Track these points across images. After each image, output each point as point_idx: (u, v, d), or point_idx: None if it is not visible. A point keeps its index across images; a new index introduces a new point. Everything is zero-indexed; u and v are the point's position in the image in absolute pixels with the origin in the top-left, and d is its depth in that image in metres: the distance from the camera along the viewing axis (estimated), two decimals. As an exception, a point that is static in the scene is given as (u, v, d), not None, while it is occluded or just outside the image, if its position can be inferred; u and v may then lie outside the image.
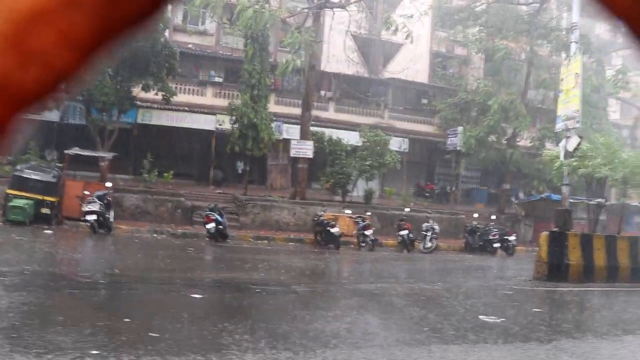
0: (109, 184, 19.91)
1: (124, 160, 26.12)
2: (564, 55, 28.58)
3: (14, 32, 0.39)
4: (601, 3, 0.48)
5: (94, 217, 17.00)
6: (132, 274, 10.76)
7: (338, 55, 28.90)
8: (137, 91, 24.27)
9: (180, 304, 8.27)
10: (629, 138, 38.39)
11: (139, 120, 27.43)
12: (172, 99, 25.37)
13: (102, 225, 17.36)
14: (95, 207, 17.12)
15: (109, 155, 23.15)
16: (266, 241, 19.87)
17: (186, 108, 28.45)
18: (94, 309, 7.24)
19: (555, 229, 15.96)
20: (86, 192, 18.36)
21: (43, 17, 0.36)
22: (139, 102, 25.66)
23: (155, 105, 26.87)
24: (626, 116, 44.35)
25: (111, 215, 18.15)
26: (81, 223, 17.71)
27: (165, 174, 24.22)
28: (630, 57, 38.63)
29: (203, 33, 32.96)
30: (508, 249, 22.81)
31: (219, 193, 25.73)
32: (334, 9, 25.52)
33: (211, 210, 18.35)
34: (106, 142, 23.76)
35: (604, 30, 35.11)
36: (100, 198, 17.51)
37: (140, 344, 5.77)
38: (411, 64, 33.50)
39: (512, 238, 23.10)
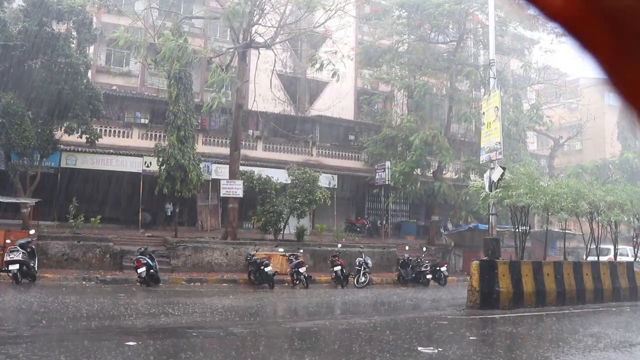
0: (32, 231, 19.19)
1: (47, 205, 25.26)
2: (482, 90, 29.83)
3: None
4: (535, 5, 0.53)
5: (16, 266, 16.31)
6: (60, 324, 10.32)
7: (265, 94, 29.08)
8: (59, 134, 23.63)
9: (114, 353, 7.99)
10: (547, 167, 40.09)
11: (63, 164, 26.67)
12: (97, 142, 24.84)
13: (25, 275, 16.67)
14: (18, 255, 16.45)
15: (31, 201, 22.34)
16: (199, 283, 19.52)
17: (112, 150, 27.92)
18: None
19: (485, 258, 16.40)
20: (7, 241, 17.64)
21: None
22: (62, 146, 25.02)
23: (80, 149, 26.26)
24: (543, 147, 46.51)
25: (35, 263, 17.45)
26: (2, 273, 16.93)
27: (92, 219, 23.54)
28: (541, 92, 40.75)
29: (127, 74, 32.60)
30: (440, 280, 23.23)
31: (149, 236, 25.18)
32: (259, 49, 25.79)
33: (141, 254, 17.92)
34: (28, 187, 22.93)
35: (517, 67, 36.92)
36: (23, 246, 16.85)
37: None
38: (337, 102, 34.07)
39: (443, 269, 23.58)
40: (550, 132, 40.45)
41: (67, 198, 24.24)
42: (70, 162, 27.09)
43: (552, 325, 12.71)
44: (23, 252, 16.58)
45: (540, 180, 19.88)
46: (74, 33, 23.33)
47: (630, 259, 22.54)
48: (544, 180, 21.69)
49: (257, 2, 24.21)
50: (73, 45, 23.14)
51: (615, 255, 21.77)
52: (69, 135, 24.16)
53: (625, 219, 21.39)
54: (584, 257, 20.66)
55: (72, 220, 22.41)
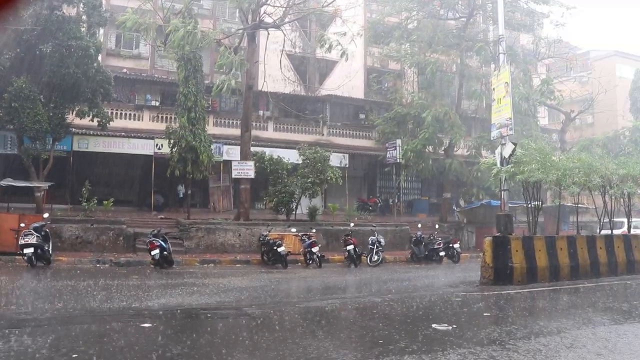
0: (46, 215, 19.32)
1: (60, 189, 25.47)
2: (492, 66, 29.59)
3: None
4: None
5: (31, 250, 16.48)
6: (76, 306, 10.44)
7: (274, 75, 29.00)
8: (71, 118, 23.72)
9: (130, 334, 8.07)
10: (559, 142, 39.86)
11: (75, 148, 26.81)
12: (108, 125, 24.94)
13: (40, 258, 16.84)
14: (32, 239, 16.61)
15: (44, 185, 22.52)
16: (212, 264, 19.66)
17: (123, 133, 28.01)
18: (35, 349, 6.98)
19: (498, 234, 16.37)
20: (22, 225, 17.80)
21: None
22: (74, 129, 25.12)
23: (91, 132, 26.36)
24: (554, 121, 46.23)
25: (50, 247, 17.61)
26: (18, 257, 17.11)
27: (105, 202, 23.71)
28: (551, 66, 40.38)
29: (137, 57, 32.62)
30: (453, 257, 23.27)
31: (161, 218, 25.35)
32: (268, 29, 25.66)
33: (155, 236, 18.04)
34: (41, 171, 23.08)
35: (527, 41, 36.55)
36: (37, 230, 16.98)
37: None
38: (347, 81, 33.98)
39: (456, 245, 23.60)
40: (561, 106, 40.17)
41: (80, 181, 24.41)
42: (82, 146, 27.22)
43: (566, 299, 12.71)
44: (37, 236, 16.74)
45: (551, 155, 19.77)
46: (84, 17, 23.32)
47: (645, 231, 22.48)
48: (555, 155, 21.58)
49: (265, -18, 24.06)
50: (83, 28, 23.15)
51: (629, 228, 21.70)
52: (80, 119, 24.26)
53: (639, 191, 21.27)
54: (598, 230, 20.61)
55: (85, 204, 22.59)
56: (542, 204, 19.94)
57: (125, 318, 9.42)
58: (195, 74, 24.72)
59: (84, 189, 22.88)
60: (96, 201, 22.98)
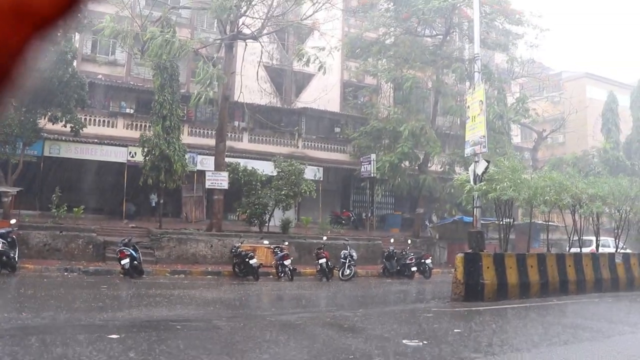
0: (13, 221, 19.00)
1: (30, 195, 25.08)
2: (467, 83, 29.95)
3: None
4: None
5: (-5, 256, 16.14)
6: (41, 316, 10.25)
7: (251, 86, 28.98)
8: (43, 123, 23.41)
9: (97, 346, 7.93)
10: (531, 160, 40.41)
11: (46, 153, 26.46)
12: (81, 131, 24.64)
13: (5, 266, 16.47)
14: (-2, 245, 16.27)
15: (12, 190, 22.14)
16: (183, 275, 19.46)
17: (96, 140, 27.74)
18: None
19: (470, 250, 16.49)
20: (-13, 230, 17.44)
21: None
22: (45, 134, 24.80)
23: (64, 138, 26.04)
24: (527, 140, 46.96)
25: (16, 254, 17.25)
26: (-19, 264, 16.75)
27: (75, 209, 23.37)
28: (525, 85, 41.04)
29: (113, 63, 32.35)
30: (425, 272, 23.34)
31: (133, 227, 25.06)
32: (246, 40, 25.66)
33: (125, 245, 17.83)
34: (10, 176, 22.71)
35: (502, 60, 37.10)
36: (3, 236, 16.65)
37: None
38: (323, 94, 34.05)
39: (428, 261, 23.68)
40: (534, 125, 40.81)
41: (50, 187, 24.06)
42: (53, 151, 26.88)
43: (535, 317, 12.80)
44: (3, 242, 16.39)
45: (523, 173, 20.02)
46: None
47: (612, 250, 22.81)
48: (527, 173, 21.86)
49: (245, -6, 24.08)
50: (59, 33, 22.87)
51: (597, 247, 22.04)
52: (53, 124, 23.96)
53: (607, 210, 21.64)
54: (567, 249, 20.86)
55: (54, 210, 22.25)
56: (513, 221, 20.16)
57: (92, 329, 9.26)
58: (171, 83, 24.60)
59: (54, 195, 22.54)
60: (66, 208, 22.65)
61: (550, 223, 23.02)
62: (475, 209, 18.24)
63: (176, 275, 19.32)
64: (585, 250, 21.07)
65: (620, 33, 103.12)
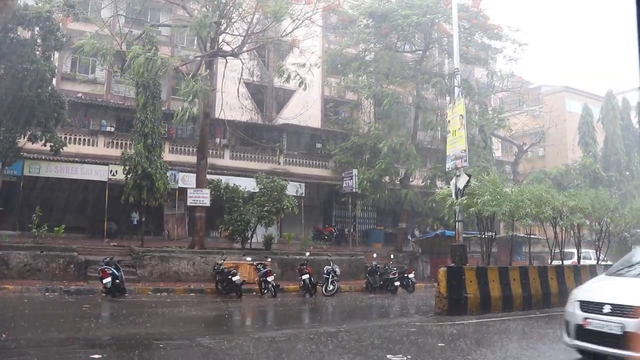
0: (-7, 242, 18.77)
1: (9, 215, 24.84)
2: (448, 98, 30.22)
3: None
4: None
5: (-24, 277, 15.95)
6: (23, 337, 10.12)
7: (232, 103, 29.01)
8: (23, 142, 23.23)
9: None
10: (511, 173, 40.73)
11: (26, 173, 26.25)
12: (61, 150, 24.48)
13: (-14, 286, 16.30)
14: (-22, 266, 16.09)
15: (-8, 210, 21.90)
16: (166, 293, 19.30)
17: (77, 159, 27.60)
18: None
19: (452, 264, 16.57)
20: (-33, 252, 17.24)
21: None
22: (25, 154, 24.59)
23: (44, 157, 25.88)
24: (507, 153, 47.45)
25: (-4, 274, 17.08)
26: (-39, 285, 16.53)
27: (56, 228, 23.11)
28: (505, 99, 41.51)
29: (93, 81, 32.28)
30: (408, 287, 23.36)
31: (114, 246, 24.87)
32: (226, 57, 25.72)
33: (107, 264, 17.71)
34: (-11, 196, 22.46)
35: (482, 75, 37.51)
36: (-17, 257, 16.48)
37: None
38: (304, 110, 34.20)
39: (411, 275, 23.70)
40: (514, 138, 41.24)
41: (30, 207, 23.79)
42: (33, 171, 26.66)
43: (518, 329, 12.87)
44: (-16, 263, 16.23)
45: (504, 186, 20.17)
46: (39, 40, 23.00)
47: (593, 262, 23.04)
48: (508, 186, 22.04)
49: (225, 12, 24.16)
50: (38, 52, 22.82)
51: (579, 259, 22.23)
52: (32, 143, 23.79)
53: (588, 222, 21.83)
54: (549, 261, 21.01)
55: (35, 230, 21.99)
56: (495, 234, 20.27)
57: (74, 348, 9.18)
58: (153, 101, 24.59)
59: (34, 214, 22.29)
60: (47, 227, 22.40)
61: (531, 236, 23.21)
62: (457, 223, 18.34)
63: (159, 294, 19.17)
64: (567, 262, 21.25)
65: (598, 43, 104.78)
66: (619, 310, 7.28)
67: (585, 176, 40.05)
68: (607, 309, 7.43)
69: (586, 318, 7.69)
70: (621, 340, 7.05)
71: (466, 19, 30.87)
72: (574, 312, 7.97)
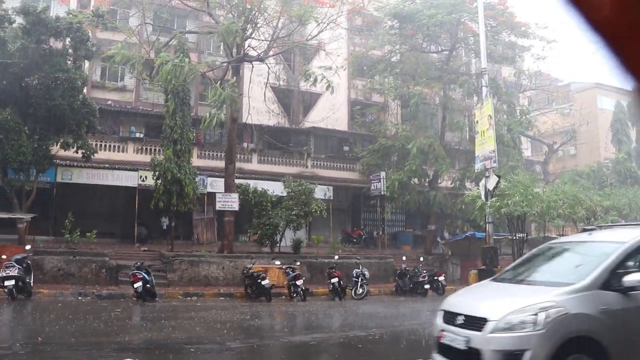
0: (28, 247, 19.21)
1: (43, 220, 25.25)
2: (475, 98, 29.99)
3: None
4: (580, 12, 0.58)
5: (11, 282, 16.26)
6: (57, 341, 10.31)
7: (259, 107, 29.15)
8: (55, 149, 23.66)
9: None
10: (542, 173, 40.17)
11: (59, 179, 26.69)
12: (92, 156, 24.84)
13: (21, 291, 16.62)
14: (14, 271, 16.41)
15: (27, 216, 22.34)
16: (196, 297, 19.49)
17: (107, 165, 27.95)
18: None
19: (483, 267, 16.43)
20: (3, 257, 17.61)
21: None
22: (57, 161, 25.02)
23: (75, 163, 26.27)
24: (537, 152, 46.72)
25: (31, 279, 17.43)
26: (-2, 289, 16.88)
27: (88, 234, 23.48)
28: (533, 98, 41.02)
29: (122, 89, 32.72)
30: (438, 289, 23.15)
31: (145, 251, 25.16)
32: (253, 62, 25.88)
33: (137, 268, 17.94)
34: (24, 202, 22.92)
35: (509, 74, 37.13)
36: (18, 262, 16.82)
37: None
38: (331, 113, 34.19)
39: (441, 278, 23.50)
40: (543, 137, 40.68)
41: (63, 213, 24.22)
42: (65, 177, 27.10)
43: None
44: (19, 268, 16.55)
45: (535, 187, 19.97)
46: (70, 50, 23.43)
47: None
48: (539, 187, 21.80)
49: (250, 17, 24.31)
50: (69, 61, 23.27)
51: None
52: (64, 151, 24.18)
53: (623, 222, 21.45)
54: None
55: (68, 235, 22.40)
56: (526, 236, 20.05)
57: (107, 352, 9.33)
58: (182, 107, 24.88)
59: (66, 220, 22.70)
60: (79, 233, 22.79)
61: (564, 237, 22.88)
62: (487, 225, 18.21)
63: (189, 298, 19.36)
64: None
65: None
66: (470, 322, 6.37)
67: (620, 174, 39.26)
68: (460, 320, 6.52)
69: (442, 330, 6.84)
70: (466, 356, 6.27)
71: (492, 17, 30.61)
72: (436, 323, 7.11)
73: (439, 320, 6.97)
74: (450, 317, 6.71)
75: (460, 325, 6.42)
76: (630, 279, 6.03)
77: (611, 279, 6.11)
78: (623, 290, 6.03)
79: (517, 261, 8.67)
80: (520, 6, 59.14)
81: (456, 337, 6.40)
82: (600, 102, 49.36)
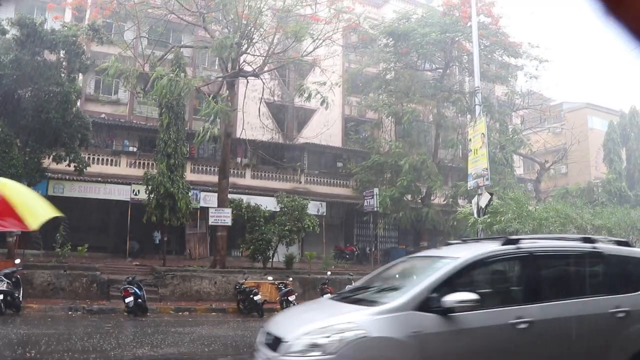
0: (17, 261, 19.02)
1: (34, 234, 25.02)
2: (468, 116, 30.13)
3: None
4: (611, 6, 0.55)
5: (0, 297, 16.08)
6: (46, 356, 10.18)
7: (253, 122, 29.20)
8: (47, 162, 23.53)
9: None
10: (534, 191, 40.29)
11: (50, 192, 26.45)
12: (85, 170, 24.72)
13: (9, 306, 16.40)
14: (2, 285, 16.22)
15: (17, 229, 22.12)
16: (188, 312, 19.35)
17: (100, 179, 27.84)
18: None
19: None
20: (-8, 271, 17.41)
21: None
22: (49, 174, 24.89)
23: (67, 177, 26.16)
24: (529, 171, 47.01)
25: (20, 293, 17.20)
26: (-14, 304, 16.66)
27: (79, 248, 23.35)
28: (526, 117, 41.27)
29: (116, 102, 32.71)
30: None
31: (136, 265, 24.98)
32: (247, 77, 25.92)
33: (129, 283, 17.79)
34: (14, 216, 22.69)
35: (502, 92, 37.39)
36: (7, 276, 16.63)
37: None
38: (325, 129, 34.29)
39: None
40: (535, 156, 40.91)
41: (54, 226, 24.01)
42: (57, 191, 26.93)
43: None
44: (8, 282, 16.36)
45: (527, 204, 20.02)
46: (64, 62, 23.38)
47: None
48: (531, 204, 21.86)
49: (246, 33, 24.39)
50: (63, 74, 23.21)
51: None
52: (57, 164, 24.07)
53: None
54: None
55: (58, 249, 22.24)
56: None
57: (98, 368, 9.20)
58: (176, 121, 24.82)
59: (57, 234, 22.54)
60: (70, 247, 22.62)
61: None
62: (479, 242, 18.18)
63: (180, 313, 19.22)
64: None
65: (620, 61, 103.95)
66: (273, 341, 5.72)
67: (610, 193, 39.42)
68: (269, 339, 5.89)
69: (255, 351, 6.30)
70: None
71: (486, 36, 30.86)
72: (256, 343, 6.40)
73: (258, 338, 6.31)
74: (264, 338, 6.03)
75: (268, 345, 5.83)
76: (450, 299, 5.37)
77: (430, 300, 5.48)
78: (442, 311, 5.39)
79: (368, 276, 7.94)
80: (513, 25, 59.91)
81: (263, 357, 5.83)
82: (590, 121, 49.80)
